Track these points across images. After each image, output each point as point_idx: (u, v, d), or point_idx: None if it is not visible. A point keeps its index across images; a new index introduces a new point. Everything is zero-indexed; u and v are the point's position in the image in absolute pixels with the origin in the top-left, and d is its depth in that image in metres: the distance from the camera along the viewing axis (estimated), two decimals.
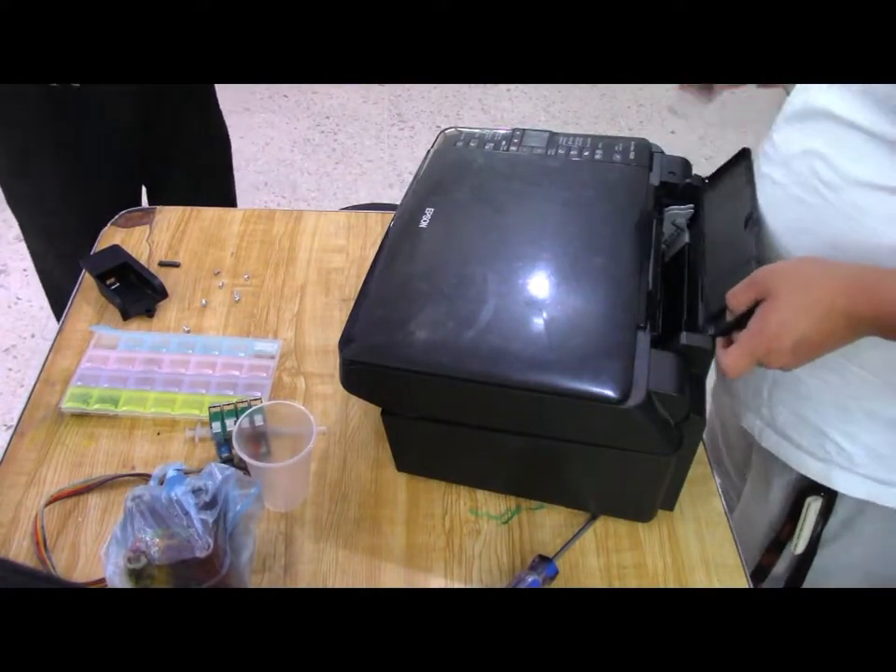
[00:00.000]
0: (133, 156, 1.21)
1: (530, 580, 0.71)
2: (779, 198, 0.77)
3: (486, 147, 0.90)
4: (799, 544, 0.87)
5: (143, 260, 1.02)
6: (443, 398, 0.70)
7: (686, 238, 0.84)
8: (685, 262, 0.81)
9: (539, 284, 0.73)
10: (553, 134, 0.91)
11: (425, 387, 0.69)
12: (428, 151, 0.91)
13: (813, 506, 0.84)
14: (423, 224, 0.79)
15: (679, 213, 0.86)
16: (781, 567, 0.92)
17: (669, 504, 0.78)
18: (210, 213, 1.12)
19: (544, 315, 0.69)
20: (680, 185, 0.86)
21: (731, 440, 1.05)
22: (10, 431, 0.83)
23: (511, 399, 0.67)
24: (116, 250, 1.00)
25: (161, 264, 1.03)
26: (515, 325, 0.69)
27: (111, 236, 1.07)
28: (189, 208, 1.12)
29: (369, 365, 0.69)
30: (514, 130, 0.92)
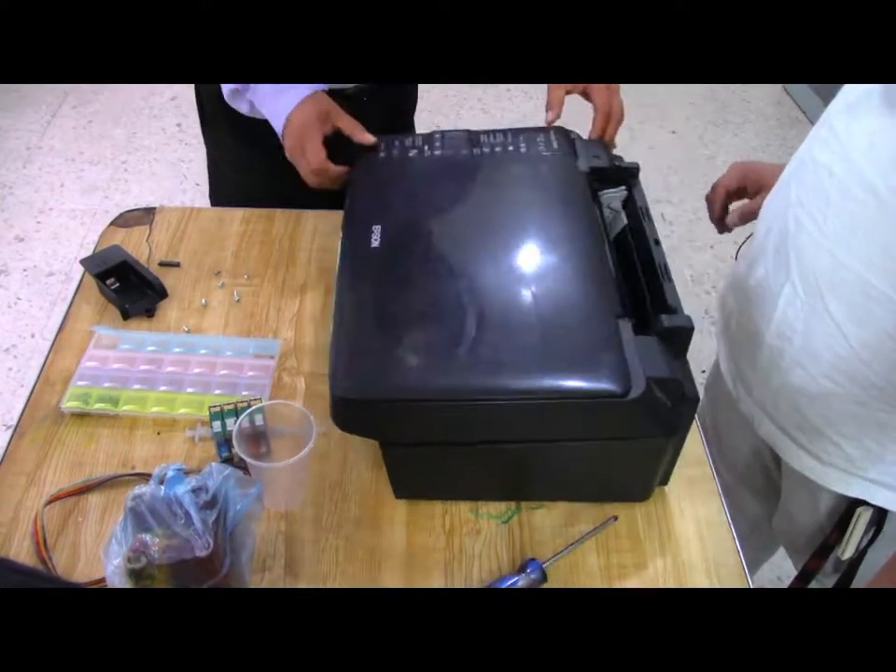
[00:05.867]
0: None
1: (511, 581, 0.71)
2: (833, 192, 0.73)
3: (411, 154, 0.88)
4: (846, 550, 0.86)
5: (143, 260, 1.02)
6: (449, 420, 0.69)
7: (624, 220, 0.85)
8: (630, 244, 0.81)
9: (512, 288, 0.72)
10: (471, 132, 0.91)
11: (428, 414, 0.67)
12: (354, 164, 0.90)
13: (863, 516, 0.83)
14: (374, 244, 0.77)
15: (613, 196, 0.86)
16: (828, 569, 0.92)
17: (665, 480, 0.79)
18: (210, 213, 1.12)
19: (528, 319, 0.69)
20: (609, 168, 0.86)
21: (723, 435, 1.05)
22: (10, 431, 0.83)
23: (514, 410, 0.66)
24: (116, 250, 1.00)
25: (161, 264, 1.02)
26: (503, 334, 0.68)
27: (111, 236, 1.06)
28: (189, 208, 1.12)
29: (366, 402, 0.67)
30: (434, 132, 0.91)
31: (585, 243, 0.76)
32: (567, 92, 0.94)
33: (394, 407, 0.67)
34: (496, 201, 0.82)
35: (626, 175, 0.86)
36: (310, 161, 0.91)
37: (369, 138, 0.92)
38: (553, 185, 0.84)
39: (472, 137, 0.90)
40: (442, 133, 0.91)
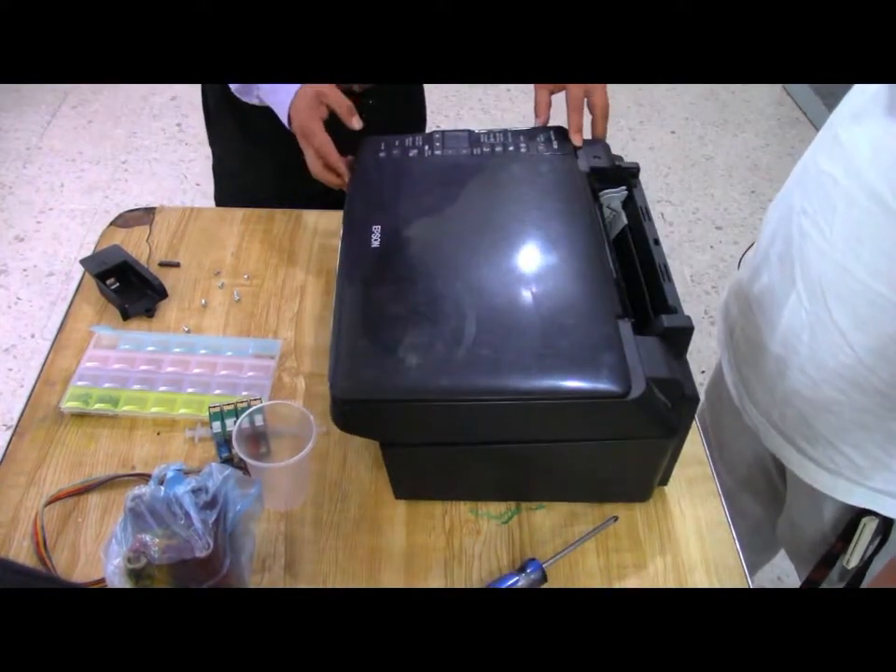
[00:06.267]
0: None
1: (511, 580, 0.71)
2: (839, 201, 0.73)
3: (411, 154, 0.88)
4: (851, 560, 0.86)
5: (143, 260, 1.02)
6: (450, 420, 0.69)
7: (624, 220, 0.85)
8: (630, 244, 0.81)
9: (512, 288, 0.72)
10: (471, 133, 0.91)
11: (430, 414, 0.67)
12: (352, 165, 0.90)
13: (869, 525, 0.83)
14: (375, 244, 0.77)
15: (613, 196, 0.86)
16: (833, 577, 0.92)
17: (665, 481, 0.79)
18: (210, 213, 1.12)
19: (528, 319, 0.69)
20: (609, 168, 0.86)
21: (724, 440, 1.05)
22: (10, 431, 0.83)
23: (515, 410, 0.66)
24: (116, 250, 1.00)
25: (161, 264, 1.02)
26: (502, 334, 0.68)
27: (111, 236, 1.07)
28: (189, 208, 1.12)
29: (367, 402, 0.67)
30: (434, 132, 0.91)
31: (585, 243, 0.76)
32: (552, 92, 0.93)
33: (394, 407, 0.67)
34: (496, 201, 0.82)
35: (626, 175, 0.86)
36: (313, 144, 0.89)
37: (356, 124, 0.90)
38: (554, 185, 0.84)
39: (472, 137, 0.90)
40: (442, 132, 0.91)
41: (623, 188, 0.85)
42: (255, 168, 1.17)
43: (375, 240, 0.77)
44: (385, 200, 0.84)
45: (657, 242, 0.77)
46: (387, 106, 1.08)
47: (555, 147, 0.88)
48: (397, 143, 0.90)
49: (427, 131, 0.95)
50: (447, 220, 0.80)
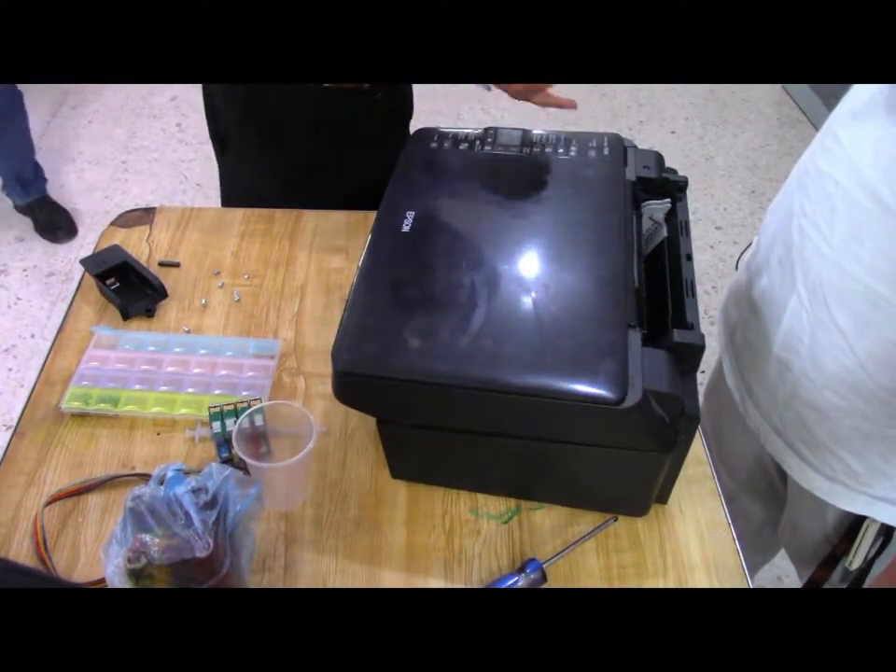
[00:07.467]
0: None
1: (511, 580, 0.71)
2: (839, 202, 0.73)
3: (461, 147, 0.89)
4: (854, 561, 0.86)
5: (143, 260, 1.02)
6: (440, 405, 0.69)
7: (664, 233, 0.84)
8: (665, 257, 0.81)
9: (528, 285, 0.72)
10: (525, 132, 0.91)
11: (421, 396, 0.68)
12: (403, 151, 0.90)
13: (872, 527, 0.83)
14: (405, 228, 0.78)
15: (656, 207, 0.85)
16: (835, 579, 0.92)
17: (663, 498, 0.79)
18: (210, 213, 1.12)
19: (536, 317, 0.69)
20: (656, 179, 0.85)
21: (724, 441, 1.05)
22: (10, 431, 0.83)
23: (507, 404, 0.66)
24: (116, 250, 1.00)
25: (161, 264, 1.02)
26: (508, 329, 0.68)
27: (111, 236, 1.07)
28: (189, 208, 1.12)
29: (364, 376, 0.68)
30: (487, 129, 0.91)
31: (612, 250, 0.75)
32: None
33: (390, 385, 0.68)
34: (532, 201, 0.82)
35: (673, 189, 0.85)
36: None
37: None
38: (594, 191, 0.83)
39: (526, 136, 0.90)
40: (496, 129, 0.91)
41: (668, 200, 0.84)
42: (261, 168, 1.18)
43: (406, 225, 0.78)
44: (425, 188, 0.84)
45: (689, 257, 0.76)
46: (389, 99, 1.09)
47: (606, 153, 0.87)
48: (450, 134, 0.91)
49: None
50: (479, 214, 0.81)
